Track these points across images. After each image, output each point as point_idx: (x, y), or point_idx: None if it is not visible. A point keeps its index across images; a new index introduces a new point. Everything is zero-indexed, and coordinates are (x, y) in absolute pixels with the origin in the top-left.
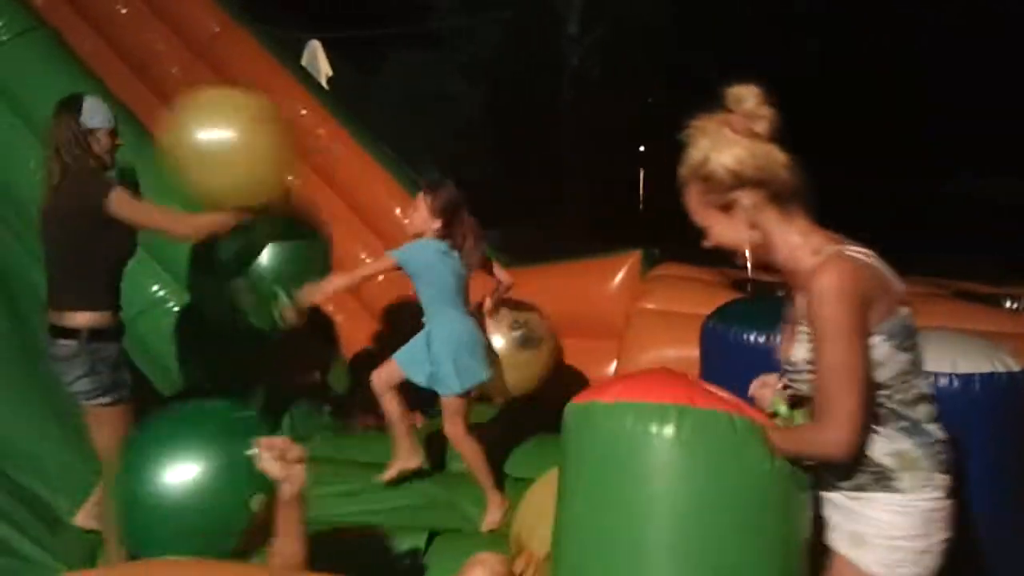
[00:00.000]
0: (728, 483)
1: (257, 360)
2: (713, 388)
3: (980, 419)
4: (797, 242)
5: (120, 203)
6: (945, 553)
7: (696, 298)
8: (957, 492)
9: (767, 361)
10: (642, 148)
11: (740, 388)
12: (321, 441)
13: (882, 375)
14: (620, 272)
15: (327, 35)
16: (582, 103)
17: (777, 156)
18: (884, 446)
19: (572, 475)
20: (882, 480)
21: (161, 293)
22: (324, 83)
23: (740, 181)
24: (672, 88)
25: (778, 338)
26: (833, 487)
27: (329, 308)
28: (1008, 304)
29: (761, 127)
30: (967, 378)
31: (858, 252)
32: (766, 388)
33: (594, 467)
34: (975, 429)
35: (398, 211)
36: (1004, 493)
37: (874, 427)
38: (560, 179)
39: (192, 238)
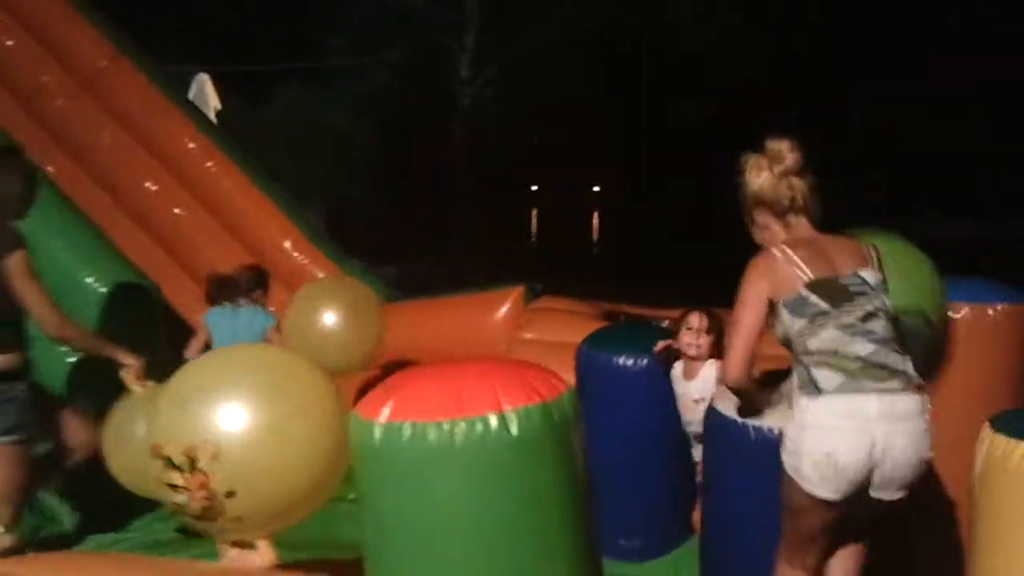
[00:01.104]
0: (508, 482)
1: None
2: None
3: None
4: (781, 241)
5: (16, 268)
6: (819, 466)
7: (571, 328)
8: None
9: (635, 381)
10: (534, 187)
11: (611, 406)
12: None
13: (786, 332)
14: (504, 306)
15: (216, 68)
16: (474, 142)
17: (785, 187)
18: (792, 378)
19: (363, 493)
20: (789, 399)
21: None
22: (212, 116)
23: (757, 201)
24: (564, 127)
25: (644, 361)
26: None
27: None
28: None
29: (780, 168)
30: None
31: (786, 249)
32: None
33: (379, 484)
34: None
35: (287, 245)
36: None
37: (792, 364)
38: (453, 216)
39: (54, 339)
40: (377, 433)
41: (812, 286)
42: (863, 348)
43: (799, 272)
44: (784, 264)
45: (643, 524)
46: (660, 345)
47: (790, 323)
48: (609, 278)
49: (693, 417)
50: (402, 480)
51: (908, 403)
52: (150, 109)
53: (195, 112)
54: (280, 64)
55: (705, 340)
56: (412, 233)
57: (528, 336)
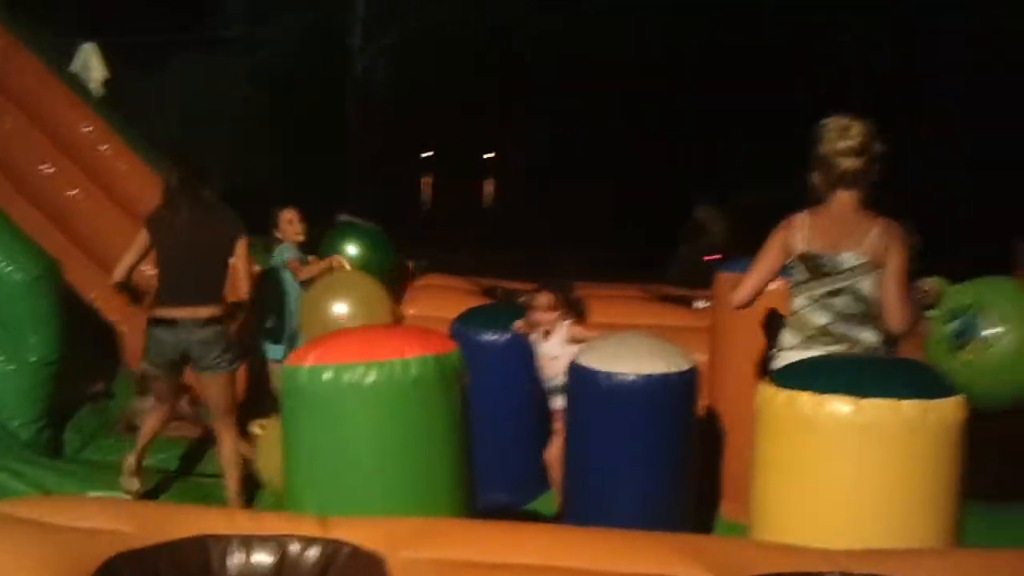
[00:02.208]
0: (407, 414)
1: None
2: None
3: (653, 408)
4: (811, 208)
5: (242, 247)
6: None
7: (450, 304)
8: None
9: (501, 356)
10: (426, 154)
11: (478, 376)
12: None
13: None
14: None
15: (105, 39)
16: (367, 111)
17: (840, 161)
18: None
19: (289, 425)
20: None
21: None
22: (99, 87)
23: (817, 164)
24: (459, 97)
25: (505, 337)
26: None
27: (114, 319)
28: (698, 304)
29: (843, 144)
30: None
31: (807, 217)
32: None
33: (303, 417)
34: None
35: None
36: (663, 466)
37: None
38: (349, 186)
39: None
40: (303, 376)
41: (802, 256)
42: (821, 319)
43: (801, 240)
44: (798, 229)
45: (507, 480)
46: (519, 324)
47: (791, 281)
48: (501, 246)
49: (551, 373)
50: (321, 413)
51: None
52: (43, 93)
53: (88, 94)
54: (174, 34)
55: (551, 316)
56: (310, 206)
57: (411, 312)
